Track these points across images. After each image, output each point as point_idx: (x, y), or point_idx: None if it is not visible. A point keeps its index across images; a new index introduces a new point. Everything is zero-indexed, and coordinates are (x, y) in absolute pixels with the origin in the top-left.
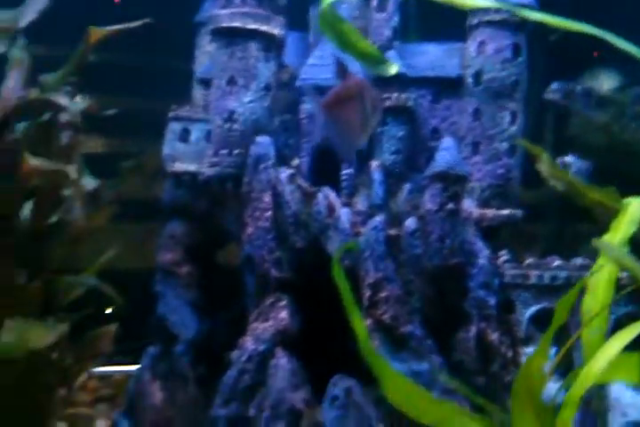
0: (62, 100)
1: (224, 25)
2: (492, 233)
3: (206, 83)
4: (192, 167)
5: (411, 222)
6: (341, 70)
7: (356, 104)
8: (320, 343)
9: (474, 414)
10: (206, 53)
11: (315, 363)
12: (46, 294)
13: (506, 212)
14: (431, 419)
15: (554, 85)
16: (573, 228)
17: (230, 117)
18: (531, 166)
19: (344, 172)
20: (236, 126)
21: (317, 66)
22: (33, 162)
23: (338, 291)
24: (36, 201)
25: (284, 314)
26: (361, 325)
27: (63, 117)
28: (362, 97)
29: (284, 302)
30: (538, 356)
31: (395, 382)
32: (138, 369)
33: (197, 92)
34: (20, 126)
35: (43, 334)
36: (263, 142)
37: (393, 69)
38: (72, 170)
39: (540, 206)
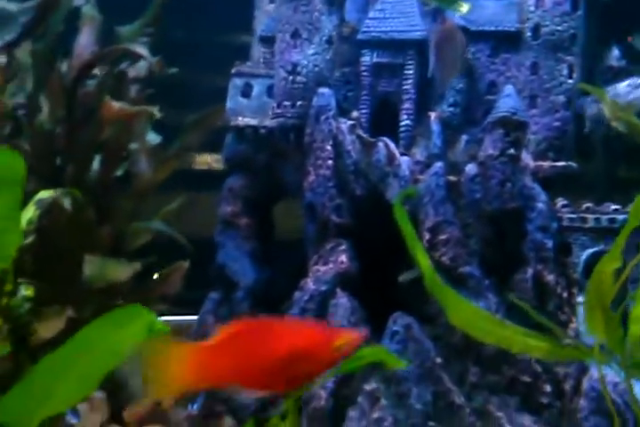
0: (140, 49)
1: None
2: (548, 184)
3: (267, 40)
4: (254, 121)
5: (471, 168)
6: (440, 17)
7: (454, 45)
8: (377, 286)
9: (538, 334)
10: (266, 13)
11: (373, 304)
12: (116, 239)
13: (562, 164)
14: (495, 339)
15: (615, 51)
16: (628, 175)
17: (294, 70)
18: None
19: (402, 123)
20: (299, 78)
21: (379, 19)
22: (114, 104)
23: (395, 235)
24: (106, 153)
25: (343, 258)
26: (424, 258)
27: (131, 72)
28: (457, 39)
29: (343, 247)
30: (609, 261)
31: (460, 306)
32: (201, 313)
33: (258, 51)
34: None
35: (120, 269)
36: (325, 94)
37: (464, 8)
38: (154, 110)
39: (592, 155)
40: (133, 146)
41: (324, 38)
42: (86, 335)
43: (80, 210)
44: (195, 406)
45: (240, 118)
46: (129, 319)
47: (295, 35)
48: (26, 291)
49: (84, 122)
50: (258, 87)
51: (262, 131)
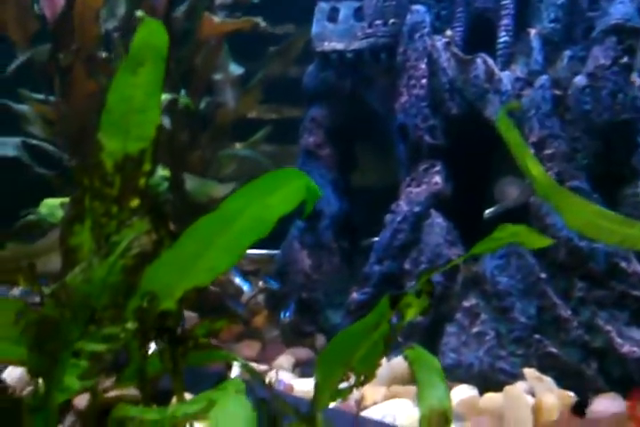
0: None
1: None
2: None
3: None
4: (340, 46)
5: (580, 79)
6: None
7: None
8: (473, 207)
9: None
10: None
11: (468, 225)
12: (205, 165)
13: None
14: (620, 238)
15: None
16: None
17: None
18: None
19: (500, 40)
20: None
21: None
22: (215, 18)
23: (493, 155)
24: (193, 81)
25: (437, 179)
26: (535, 165)
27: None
28: None
29: (437, 168)
30: None
31: (579, 207)
32: (287, 240)
33: None
34: None
35: (218, 187)
36: (419, 10)
37: None
38: (259, 21)
39: None
40: (217, 76)
41: None
42: (233, 203)
43: (175, 131)
44: (287, 315)
45: (326, 43)
46: (280, 184)
47: None
48: (162, 171)
49: (180, 43)
50: (345, 10)
51: (349, 55)
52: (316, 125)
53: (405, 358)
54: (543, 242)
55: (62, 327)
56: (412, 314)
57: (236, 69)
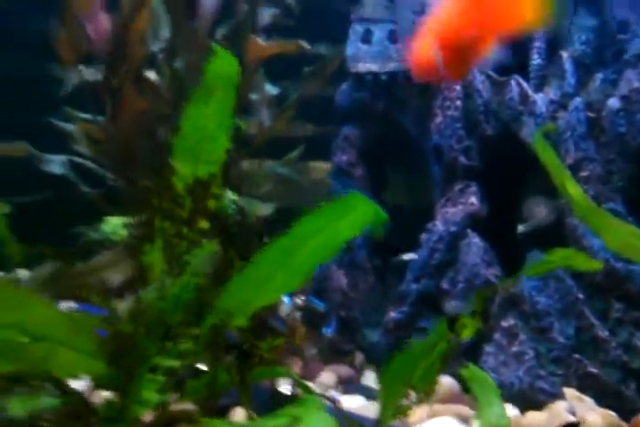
0: None
1: None
2: None
3: None
4: (374, 67)
5: (614, 102)
6: None
7: None
8: (506, 227)
9: None
10: None
11: (501, 244)
12: (242, 182)
13: None
14: None
15: None
16: None
17: (423, 11)
18: None
19: (533, 62)
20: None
21: None
22: (260, 41)
23: (526, 175)
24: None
25: (473, 199)
26: (573, 185)
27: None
28: None
29: (472, 188)
30: None
31: (617, 228)
32: None
33: None
34: None
35: (262, 206)
36: None
37: None
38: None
39: None
40: (254, 96)
41: None
42: (305, 226)
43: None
44: (329, 331)
45: (360, 64)
46: (349, 210)
47: None
48: (232, 195)
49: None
50: (379, 32)
51: (384, 77)
52: (349, 144)
53: (459, 376)
54: (592, 265)
55: (138, 343)
56: (467, 334)
57: (271, 89)
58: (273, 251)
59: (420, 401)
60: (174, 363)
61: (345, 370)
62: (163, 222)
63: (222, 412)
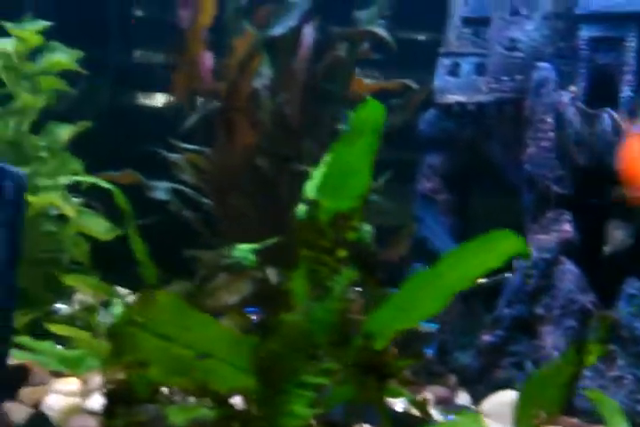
0: (380, 31)
1: None
2: None
3: (472, 21)
4: (462, 98)
5: None
6: None
7: None
8: (595, 253)
9: None
10: None
11: (591, 270)
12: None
13: None
14: None
15: None
16: None
17: (513, 45)
18: None
19: (623, 95)
20: (518, 54)
21: None
22: (366, 80)
23: (620, 205)
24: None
25: (567, 226)
26: None
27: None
28: None
29: (566, 216)
30: None
31: None
32: None
33: (454, 32)
34: None
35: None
36: (545, 67)
37: None
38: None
39: None
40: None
41: (542, 15)
42: (451, 259)
43: None
44: (430, 351)
45: (448, 96)
46: (496, 245)
47: (515, 12)
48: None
49: (324, 100)
50: (466, 66)
51: (471, 107)
52: (433, 172)
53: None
54: None
55: (286, 361)
56: (591, 360)
57: None
58: (419, 280)
59: (546, 422)
60: (322, 380)
61: (441, 390)
62: (307, 251)
63: None
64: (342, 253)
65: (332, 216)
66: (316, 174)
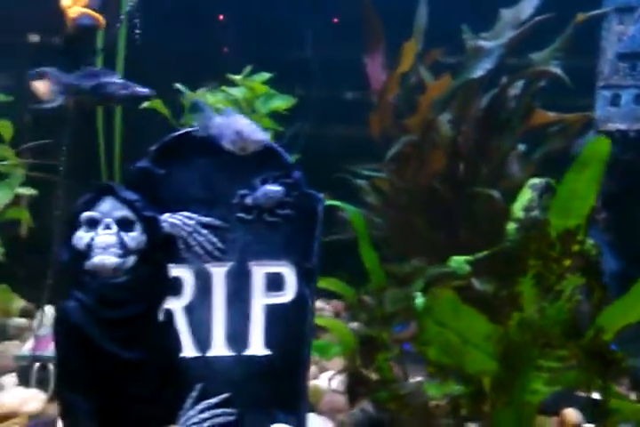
0: (555, 69)
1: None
2: None
3: (627, 56)
4: (623, 126)
5: None
6: None
7: None
8: None
9: None
10: (615, 33)
11: None
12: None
13: None
14: None
15: None
16: None
17: None
18: None
19: None
20: None
21: None
22: (546, 113)
23: None
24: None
25: None
26: None
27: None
28: None
29: None
30: None
31: None
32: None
33: (610, 66)
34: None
35: None
36: None
37: None
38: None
39: None
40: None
41: None
42: None
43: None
44: None
45: (609, 124)
46: None
47: None
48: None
49: (501, 131)
50: (626, 96)
51: (632, 134)
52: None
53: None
54: None
55: (524, 349)
56: None
57: (520, 146)
58: None
59: None
60: (555, 364)
61: None
62: (536, 261)
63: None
64: (568, 262)
65: (560, 232)
66: (521, 197)
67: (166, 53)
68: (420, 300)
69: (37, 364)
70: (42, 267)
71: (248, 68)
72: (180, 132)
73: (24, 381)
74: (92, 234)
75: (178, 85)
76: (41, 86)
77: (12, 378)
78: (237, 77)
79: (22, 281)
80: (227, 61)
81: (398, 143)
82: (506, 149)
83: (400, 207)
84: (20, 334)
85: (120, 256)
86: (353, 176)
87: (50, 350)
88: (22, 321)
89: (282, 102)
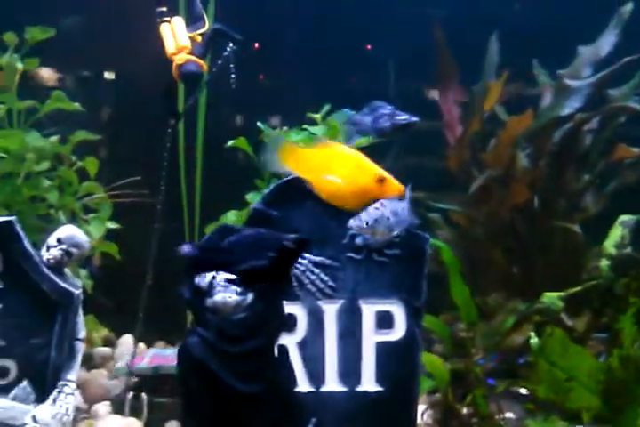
0: (636, 105)
1: None
2: None
3: None
4: None
5: None
6: None
7: None
8: None
9: None
10: None
11: None
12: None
13: None
14: None
15: None
16: None
17: None
18: None
19: None
20: None
21: None
22: (628, 148)
23: None
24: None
25: None
26: None
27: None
28: None
29: None
30: None
31: None
32: None
33: None
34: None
35: None
36: None
37: None
38: None
39: None
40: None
41: None
42: None
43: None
44: None
45: None
46: None
47: None
48: None
49: (580, 165)
50: None
51: None
52: None
53: None
54: None
55: (627, 385)
56: None
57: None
58: None
59: None
60: None
61: None
62: (635, 298)
63: None
64: None
65: None
66: (612, 233)
67: (247, 94)
68: (534, 340)
69: (131, 393)
70: (125, 297)
71: (326, 107)
72: (291, 176)
73: (118, 409)
74: (213, 273)
75: (259, 124)
76: None
77: (105, 407)
78: (317, 116)
79: (104, 311)
80: (306, 98)
81: (481, 177)
82: (584, 183)
83: (476, 240)
84: (104, 363)
85: (240, 294)
86: (425, 209)
87: (144, 362)
88: (106, 350)
89: (363, 139)
